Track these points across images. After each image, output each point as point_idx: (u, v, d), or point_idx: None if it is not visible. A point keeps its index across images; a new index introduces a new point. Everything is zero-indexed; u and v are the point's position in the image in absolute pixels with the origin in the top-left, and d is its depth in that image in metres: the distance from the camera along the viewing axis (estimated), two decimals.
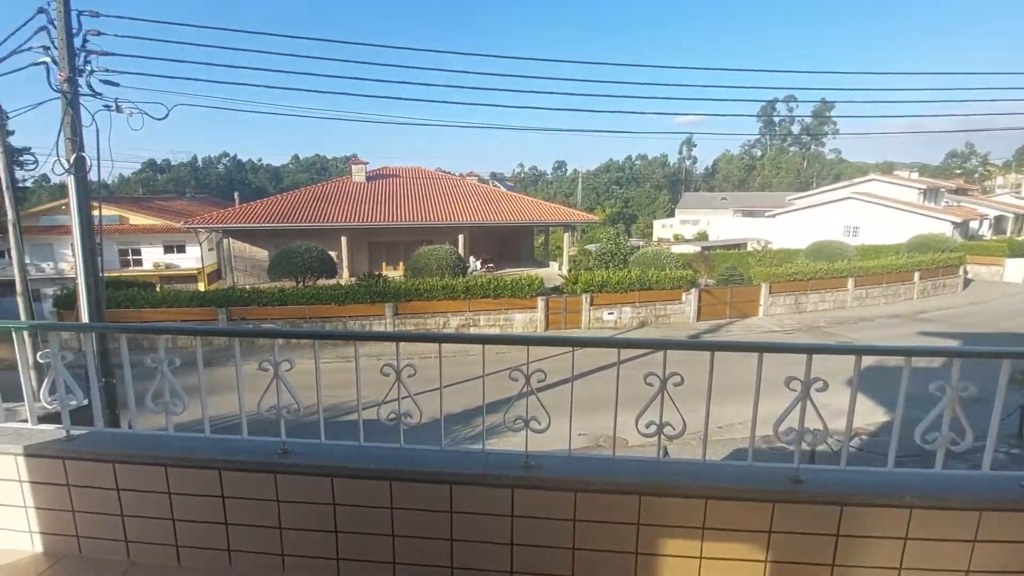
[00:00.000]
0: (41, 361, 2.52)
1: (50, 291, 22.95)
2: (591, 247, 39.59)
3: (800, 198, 46.41)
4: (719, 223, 54.50)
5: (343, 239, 26.37)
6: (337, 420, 11.69)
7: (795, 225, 39.52)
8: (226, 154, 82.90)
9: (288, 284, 21.29)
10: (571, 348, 2.57)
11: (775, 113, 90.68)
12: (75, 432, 2.62)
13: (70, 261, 28.16)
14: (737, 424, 12.38)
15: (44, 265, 27.80)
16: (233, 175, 77.56)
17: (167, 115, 10.07)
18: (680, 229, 64.69)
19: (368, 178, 32.44)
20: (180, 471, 2.46)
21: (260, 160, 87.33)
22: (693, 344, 2.44)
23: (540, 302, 21.35)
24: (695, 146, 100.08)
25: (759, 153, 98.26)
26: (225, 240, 26.93)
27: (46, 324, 2.39)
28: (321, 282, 21.96)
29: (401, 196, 30.02)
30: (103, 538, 2.59)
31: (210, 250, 31.37)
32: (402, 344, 2.51)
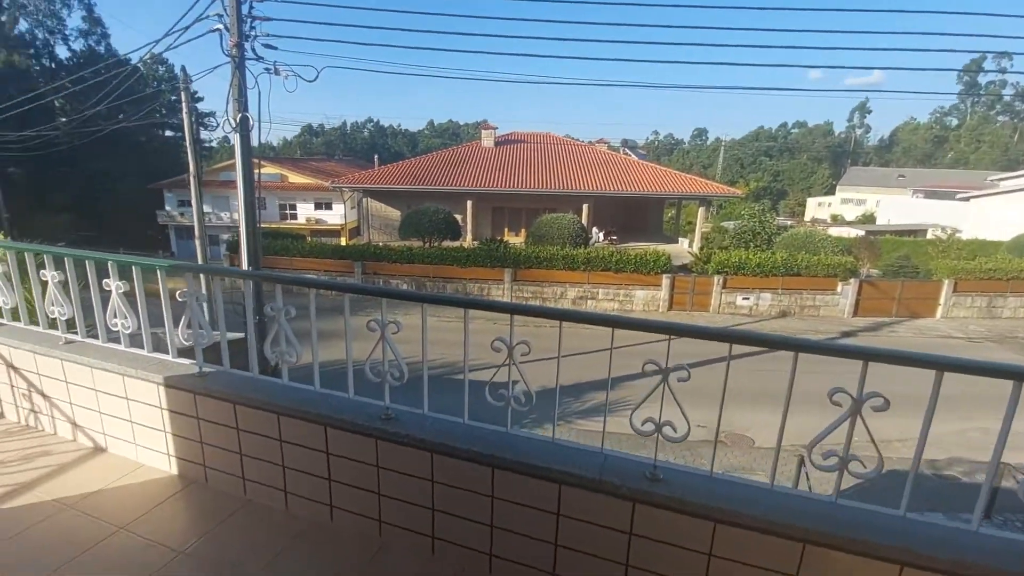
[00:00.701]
0: (180, 299, 2.66)
1: (225, 237, 27.06)
2: (728, 224, 36.21)
3: (1007, 178, 37.38)
4: (892, 204, 46.20)
5: (469, 203, 27.20)
6: (448, 377, 12.21)
7: (997, 212, 31.89)
8: (371, 120, 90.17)
9: (416, 244, 22.59)
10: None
11: (981, 72, 72.94)
12: (206, 369, 2.77)
13: None
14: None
15: (222, 215, 32.93)
16: (375, 139, 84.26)
17: (316, 77, 10.83)
18: (840, 209, 56.36)
19: (496, 143, 32.85)
20: (290, 421, 2.47)
21: (399, 125, 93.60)
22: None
23: (665, 280, 20.05)
24: (869, 112, 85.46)
25: (954, 122, 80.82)
26: (364, 199, 29.36)
27: (182, 265, 2.49)
28: (446, 244, 22.96)
29: (527, 162, 29.97)
30: (225, 472, 2.74)
31: (352, 208, 34.55)
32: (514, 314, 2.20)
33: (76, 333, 3.16)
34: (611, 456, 2.08)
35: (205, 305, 3.07)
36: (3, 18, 37.20)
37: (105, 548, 2.37)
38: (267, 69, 10.40)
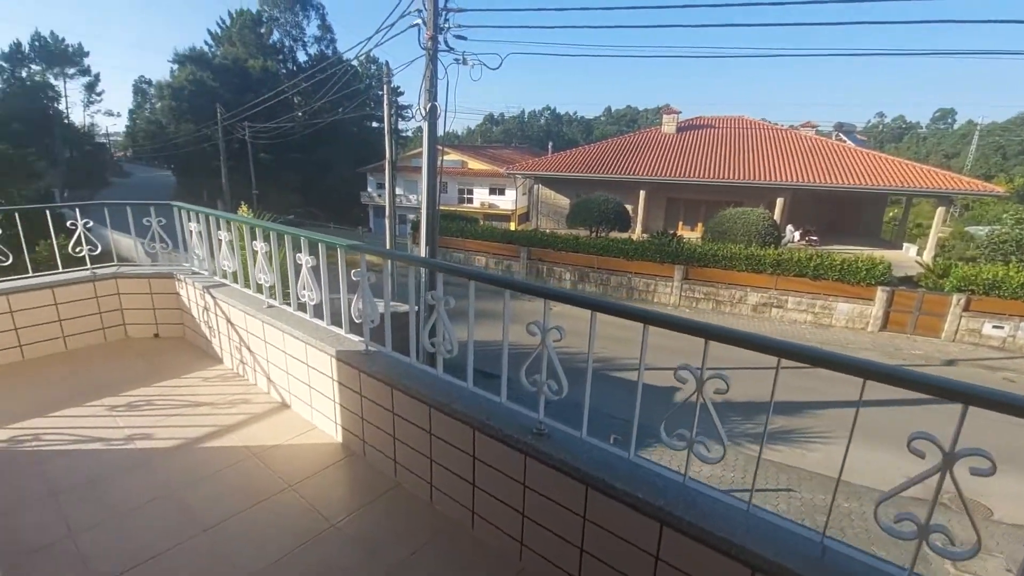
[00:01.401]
0: (354, 279, 2.76)
1: (411, 217, 30.23)
2: (977, 230, 28.71)
3: None
4: None
5: (641, 193, 26.05)
6: (611, 375, 11.79)
7: None
8: (548, 107, 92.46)
9: (583, 233, 22.42)
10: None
11: None
12: (371, 348, 2.85)
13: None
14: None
15: (411, 197, 36.97)
16: (551, 127, 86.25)
17: (500, 64, 11.15)
18: None
19: (678, 129, 30.80)
20: (440, 415, 2.39)
21: (575, 113, 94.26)
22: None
23: (881, 293, 16.62)
24: None
25: None
26: (535, 186, 30.15)
27: (359, 246, 2.52)
28: (613, 234, 22.33)
29: (712, 149, 27.48)
30: (380, 452, 2.81)
31: (523, 195, 35.87)
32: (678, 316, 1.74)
33: (275, 299, 3.56)
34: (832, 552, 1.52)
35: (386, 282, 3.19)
36: (262, 30, 46.58)
37: (272, 504, 2.58)
38: (456, 59, 11.03)
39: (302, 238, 3.05)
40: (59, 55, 45.87)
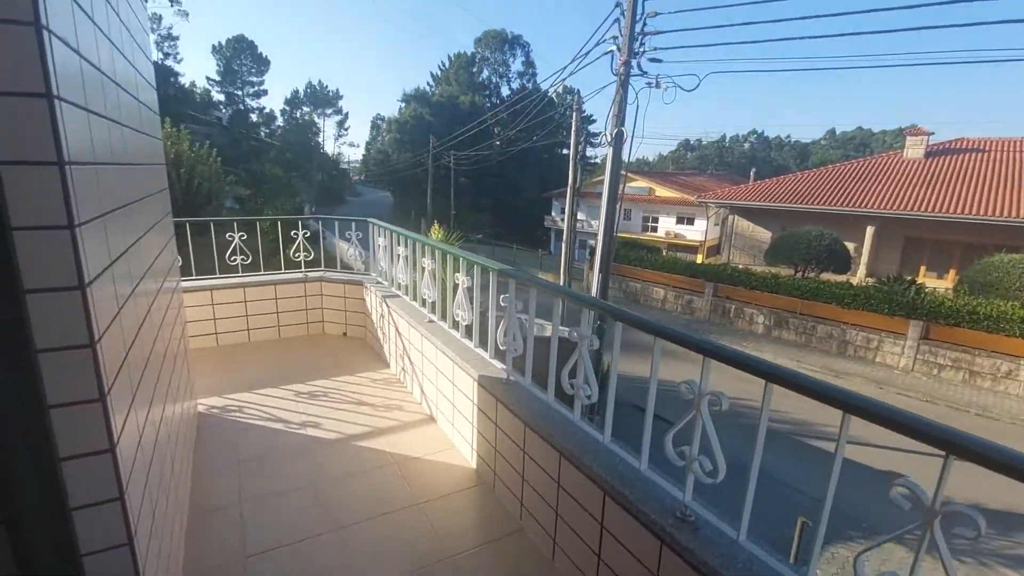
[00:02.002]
0: (502, 304, 2.71)
1: (591, 242, 30.40)
2: None
3: None
4: None
5: (868, 229, 22.08)
6: (807, 442, 10.04)
7: None
8: (754, 131, 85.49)
9: (784, 271, 19.83)
10: None
11: None
12: (511, 378, 2.76)
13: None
14: None
15: (592, 222, 37.40)
16: (756, 153, 79.46)
17: (697, 85, 10.56)
18: None
19: (928, 154, 25.49)
20: (570, 468, 2.16)
21: (787, 137, 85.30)
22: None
23: None
24: None
25: None
26: (730, 216, 27.82)
27: (509, 271, 2.46)
28: (825, 276, 19.28)
29: (977, 178, 22.02)
30: (509, 489, 2.68)
31: (715, 225, 33.48)
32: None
33: (435, 315, 3.75)
34: None
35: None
36: (474, 69, 52.32)
37: (399, 518, 2.62)
38: (648, 83, 10.79)
39: (461, 259, 3.14)
40: (322, 99, 58.10)
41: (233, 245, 4.95)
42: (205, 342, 4.91)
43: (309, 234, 5.28)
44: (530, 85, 51.54)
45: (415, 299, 4.13)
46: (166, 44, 48.76)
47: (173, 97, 43.67)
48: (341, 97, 59.88)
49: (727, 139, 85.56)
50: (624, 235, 30.97)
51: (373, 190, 71.66)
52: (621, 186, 10.79)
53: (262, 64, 52.08)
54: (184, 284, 4.80)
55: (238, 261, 5.01)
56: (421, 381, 3.79)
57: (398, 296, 4.43)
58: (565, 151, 52.62)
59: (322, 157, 55.55)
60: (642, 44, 10.71)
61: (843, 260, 20.07)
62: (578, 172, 13.41)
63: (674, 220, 34.72)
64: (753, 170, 41.84)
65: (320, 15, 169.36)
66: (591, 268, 24.91)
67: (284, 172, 31.45)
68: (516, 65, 54.16)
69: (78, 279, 1.13)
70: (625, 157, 10.83)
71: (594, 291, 11.08)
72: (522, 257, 30.61)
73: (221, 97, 52.33)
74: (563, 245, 13.55)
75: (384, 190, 63.43)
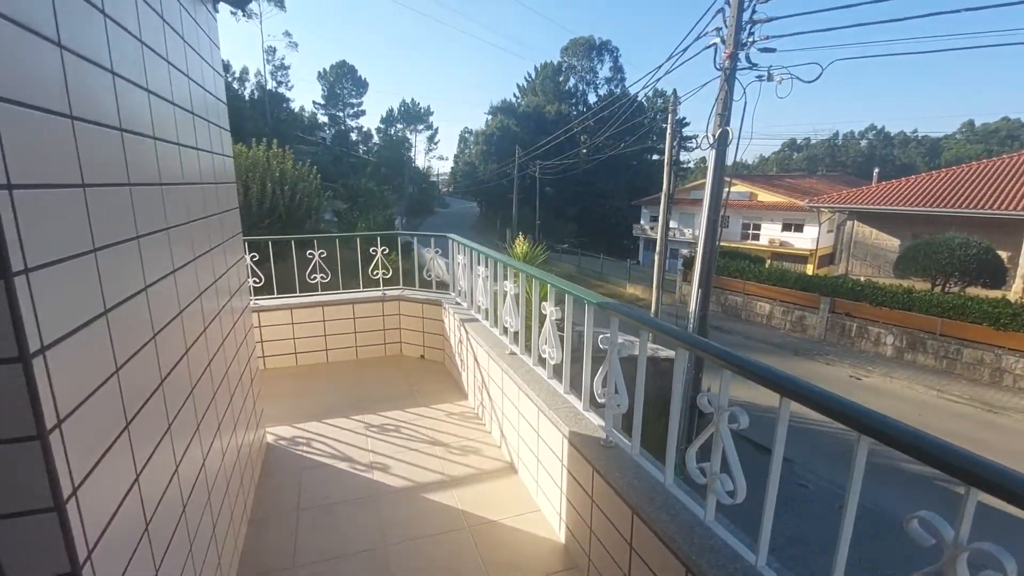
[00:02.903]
0: (601, 347, 2.16)
1: (684, 252, 28.70)
2: None
3: None
4: None
5: None
6: (946, 487, 8.36)
7: None
8: (872, 127, 77.31)
9: (918, 285, 17.25)
10: None
11: None
12: (611, 440, 2.19)
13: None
14: None
15: (685, 230, 35.39)
16: (875, 150, 71.67)
17: (819, 75, 9.31)
18: None
19: None
20: (643, 529, 1.55)
21: (914, 132, 76.19)
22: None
23: None
24: None
25: None
26: (848, 222, 24.95)
27: (611, 304, 1.90)
28: (972, 291, 16.52)
29: None
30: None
31: (828, 232, 30.28)
32: None
33: (517, 347, 3.26)
34: None
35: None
36: (560, 78, 52.04)
37: None
38: (759, 77, 9.71)
39: (549, 285, 2.63)
40: (414, 115, 60.76)
41: (313, 263, 4.82)
42: (285, 362, 4.81)
43: (388, 251, 5.05)
44: (618, 90, 50.37)
45: (495, 325, 3.68)
46: (279, 73, 53.49)
47: (284, 121, 47.69)
48: (432, 113, 62.27)
49: (839, 136, 78.18)
50: (723, 244, 28.93)
51: (461, 201, 73.69)
52: (724, 191, 9.77)
53: (361, 86, 55.53)
54: (264, 303, 4.73)
55: (318, 279, 4.88)
56: (501, 421, 3.32)
57: (477, 320, 4.01)
58: (655, 156, 50.78)
59: (413, 171, 57.98)
60: (751, 33, 9.67)
61: (996, 272, 17.14)
62: (673, 177, 12.47)
63: (779, 227, 31.96)
64: (876, 170, 37.61)
65: (413, 36, 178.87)
66: (685, 280, 23.44)
67: (378, 186, 32.98)
68: (604, 71, 53.25)
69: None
70: (729, 159, 9.81)
71: (692, 307, 10.10)
72: (609, 267, 29.57)
73: (325, 119, 56.47)
74: (655, 256, 12.63)
75: (471, 201, 64.95)
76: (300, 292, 4.91)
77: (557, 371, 2.74)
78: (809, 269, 27.81)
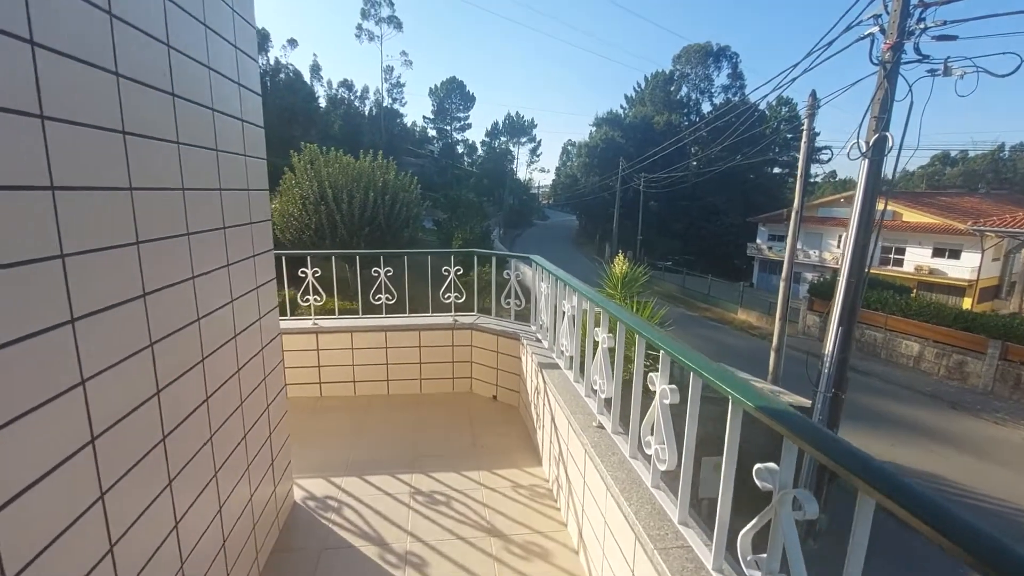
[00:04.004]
0: (761, 485, 1.20)
1: (809, 276, 25.53)
2: None
3: None
4: None
5: None
6: None
7: None
8: None
9: None
10: None
11: None
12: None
13: (833, 252, 30.45)
14: None
15: (810, 252, 31.64)
16: None
17: (1018, 67, 7.33)
18: None
19: None
20: None
21: None
22: None
23: None
24: None
25: None
26: None
27: (788, 418, 0.92)
28: None
29: None
30: None
31: (994, 260, 25.42)
32: None
33: (608, 420, 2.35)
34: None
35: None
36: (672, 87, 49.66)
37: None
38: (931, 71, 7.89)
39: (663, 349, 1.71)
40: (518, 128, 61.44)
41: (378, 282, 4.26)
42: (342, 390, 4.28)
43: (461, 271, 4.36)
44: (736, 99, 47.03)
45: (581, 379, 2.80)
46: (394, 91, 56.74)
47: (397, 135, 50.37)
48: (535, 126, 62.67)
49: (1006, 148, 66.88)
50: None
51: (560, 214, 73.21)
52: (881, 210, 8.05)
53: (468, 100, 57.27)
54: (324, 323, 4.23)
55: (383, 300, 4.30)
56: (580, 519, 2.42)
57: (558, 367, 3.15)
58: (775, 170, 46.59)
59: (514, 182, 58.51)
60: (921, 19, 7.91)
61: None
62: (803, 195, 10.71)
63: (929, 252, 27.51)
64: None
65: (521, 50, 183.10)
66: (811, 308, 20.65)
67: (477, 197, 33.31)
68: (721, 78, 50.10)
69: None
70: (887, 172, 8.08)
71: (827, 347, 8.40)
72: (719, 289, 27.11)
73: (434, 132, 58.93)
74: (781, 282, 10.90)
75: (570, 214, 64.17)
76: (363, 314, 4.37)
77: (672, 486, 1.80)
78: (966, 303, 23.50)
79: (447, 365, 4.35)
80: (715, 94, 49.81)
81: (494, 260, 4.37)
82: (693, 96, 50.09)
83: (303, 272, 4.15)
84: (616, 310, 2.17)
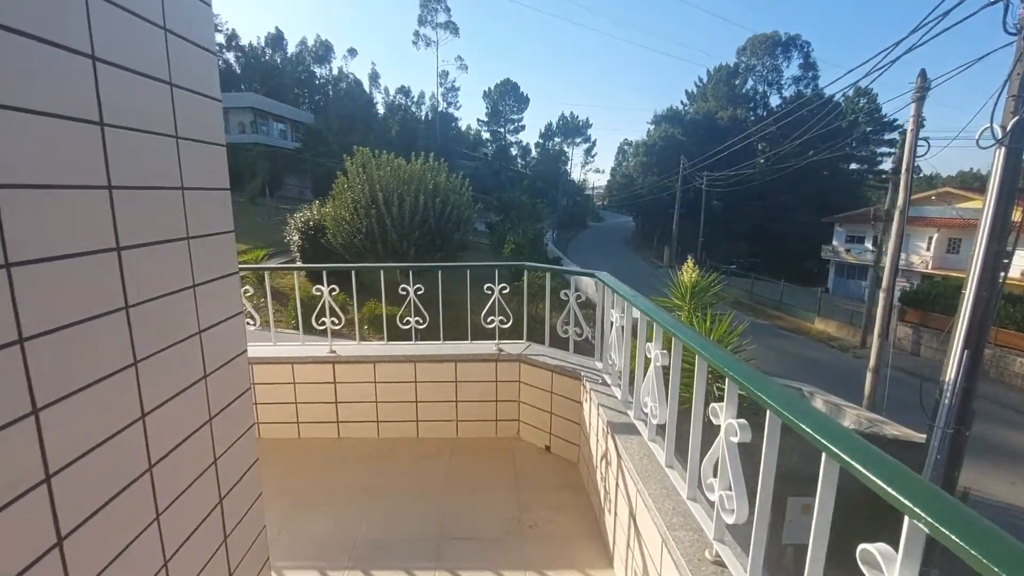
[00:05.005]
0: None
1: (904, 284, 22.93)
2: None
3: None
4: None
5: None
6: None
7: None
8: None
9: None
10: None
11: None
12: None
13: (921, 255, 27.43)
14: None
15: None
16: None
17: None
18: None
19: None
20: None
21: None
22: None
23: None
24: None
25: None
26: None
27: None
28: None
29: None
30: None
31: None
32: None
33: (730, 556, 1.43)
34: None
35: None
36: (736, 81, 46.91)
37: None
38: None
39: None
40: (573, 128, 60.17)
41: (407, 302, 3.49)
42: (362, 431, 3.54)
43: (507, 289, 3.51)
44: (809, 91, 43.82)
45: (677, 464, 1.88)
46: (449, 95, 57.04)
47: (452, 139, 50.52)
48: (590, 126, 61.23)
49: None
50: (949, 273, 22.51)
51: (615, 215, 71.30)
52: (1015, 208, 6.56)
53: (522, 102, 56.67)
54: (342, 350, 3.51)
55: (412, 324, 3.54)
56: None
57: (638, 435, 2.23)
58: (854, 166, 43.00)
59: (568, 184, 57.35)
60: None
61: None
62: (892, 188, 9.15)
63: None
64: None
65: (575, 49, 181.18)
66: (902, 319, 18.38)
67: (530, 199, 32.51)
68: (791, 70, 46.90)
69: None
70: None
71: (948, 375, 6.94)
72: (792, 296, 24.94)
73: (487, 135, 58.77)
74: (880, 293, 9.36)
75: (626, 215, 62.27)
76: (388, 339, 3.61)
77: None
78: None
79: (489, 405, 3.53)
80: (785, 86, 46.68)
81: (548, 276, 3.50)
82: (760, 89, 47.16)
83: (319, 289, 3.45)
84: (733, 364, 1.26)
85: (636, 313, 2.24)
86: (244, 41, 55.78)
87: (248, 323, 3.52)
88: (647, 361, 2.13)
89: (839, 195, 38.86)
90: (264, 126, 37.71)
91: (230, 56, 54.41)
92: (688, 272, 7.76)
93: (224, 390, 1.45)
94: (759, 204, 39.30)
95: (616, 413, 2.49)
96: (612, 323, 2.64)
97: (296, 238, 17.16)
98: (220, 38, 53.74)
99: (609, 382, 2.84)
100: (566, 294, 3.23)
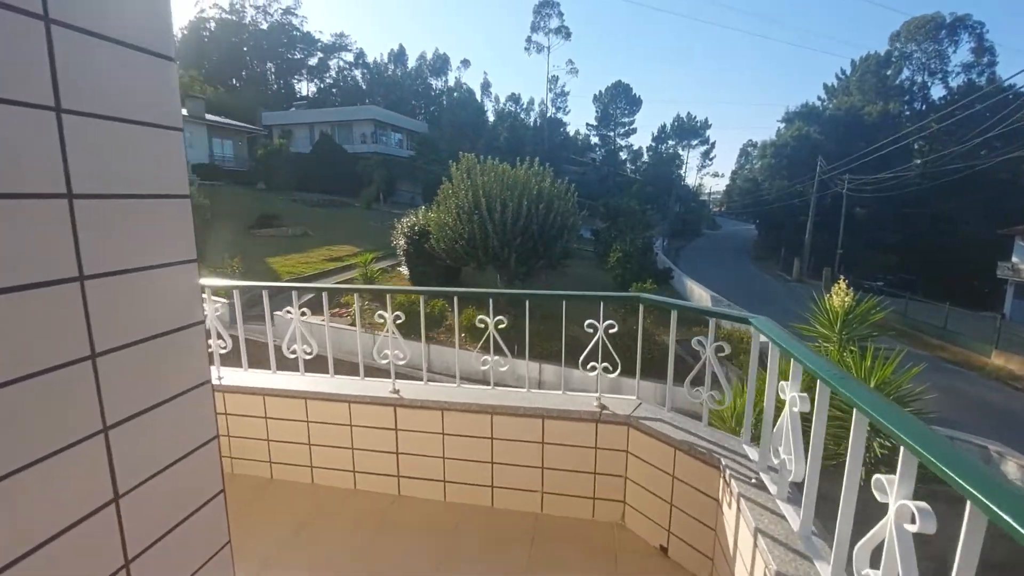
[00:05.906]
0: None
1: None
2: None
3: None
4: None
5: None
6: None
7: None
8: None
9: None
10: None
11: None
12: None
13: None
14: None
15: None
16: None
17: None
18: None
19: None
20: None
21: None
22: None
23: None
24: None
25: None
26: None
27: None
28: None
29: None
30: None
31: None
32: None
33: None
34: None
35: None
36: (888, 72, 41.04)
37: None
38: None
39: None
40: (689, 130, 56.74)
41: (485, 337, 2.77)
42: (427, 491, 2.87)
43: (615, 327, 2.64)
44: (983, 80, 37.12)
45: None
46: (559, 100, 56.67)
47: (559, 144, 50.04)
48: (709, 127, 57.46)
49: None
50: None
51: (734, 222, 66.25)
52: None
53: (634, 104, 54.62)
54: (408, 394, 2.87)
55: (489, 365, 2.80)
56: None
57: None
58: None
59: (682, 189, 54.22)
60: None
61: None
62: None
63: None
64: None
65: (693, 46, 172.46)
66: None
67: (640, 205, 30.80)
68: (961, 55, 40.06)
69: None
70: None
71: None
72: (958, 321, 20.85)
73: (596, 140, 57.48)
74: None
75: (747, 222, 57.50)
76: (460, 382, 2.91)
77: None
78: None
79: (586, 477, 2.68)
80: (952, 75, 39.94)
81: (674, 316, 2.56)
82: (918, 79, 40.84)
83: (381, 316, 2.84)
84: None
85: (856, 417, 1.27)
86: (370, 58, 59.90)
87: (305, 350, 3.02)
88: (864, 479, 1.17)
89: (1020, 203, 32.28)
90: (383, 136, 39.95)
91: (357, 73, 58.78)
92: (839, 295, 6.29)
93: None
94: (914, 212, 33.84)
95: (787, 552, 1.53)
96: (790, 401, 1.67)
97: (402, 242, 17.50)
98: (349, 57, 58.26)
99: (772, 489, 1.86)
100: (700, 342, 2.28)
